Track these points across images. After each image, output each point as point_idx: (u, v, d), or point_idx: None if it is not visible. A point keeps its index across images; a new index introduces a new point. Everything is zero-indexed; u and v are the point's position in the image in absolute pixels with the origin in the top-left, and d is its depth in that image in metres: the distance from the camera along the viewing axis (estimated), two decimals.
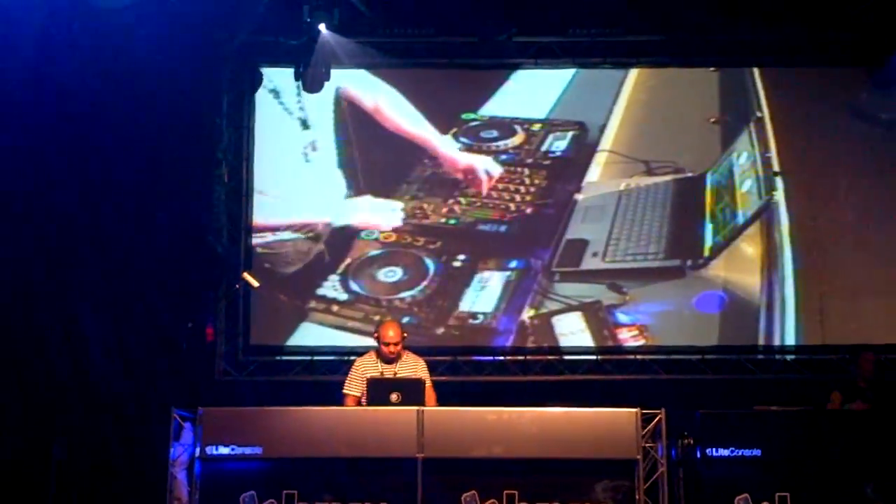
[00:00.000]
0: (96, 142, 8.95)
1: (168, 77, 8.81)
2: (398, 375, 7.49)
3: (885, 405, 7.73)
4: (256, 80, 9.86)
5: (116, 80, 8.74)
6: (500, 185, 10.07)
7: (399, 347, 7.54)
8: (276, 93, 10.08)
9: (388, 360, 7.55)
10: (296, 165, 10.03)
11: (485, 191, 10.01)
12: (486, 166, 10.05)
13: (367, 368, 7.61)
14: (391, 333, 7.52)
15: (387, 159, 10.10)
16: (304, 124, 10.07)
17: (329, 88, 9.75)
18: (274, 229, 9.92)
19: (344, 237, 9.93)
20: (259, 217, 9.92)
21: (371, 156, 10.07)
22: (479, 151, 10.12)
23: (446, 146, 10.08)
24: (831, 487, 7.00)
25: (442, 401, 7.56)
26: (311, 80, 9.36)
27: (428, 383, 7.53)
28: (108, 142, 8.99)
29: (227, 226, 9.77)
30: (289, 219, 9.94)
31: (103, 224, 8.92)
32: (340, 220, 9.96)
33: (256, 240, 9.88)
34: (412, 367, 7.59)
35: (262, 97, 10.06)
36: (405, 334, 7.65)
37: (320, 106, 10.02)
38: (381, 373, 7.52)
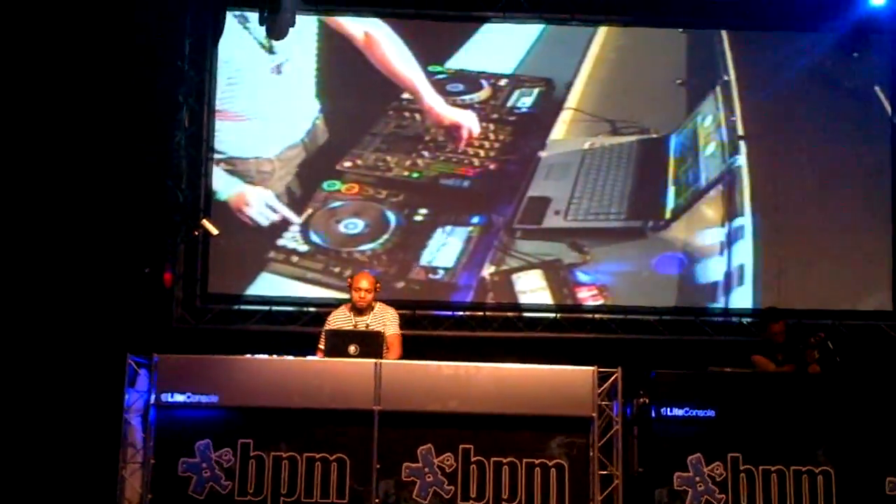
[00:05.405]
0: (55, 83, 8.78)
1: (129, 19, 8.66)
2: (370, 327, 7.50)
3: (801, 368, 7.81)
4: (220, 25, 9.68)
5: (77, 21, 8.57)
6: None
7: (371, 296, 7.59)
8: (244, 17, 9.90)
9: (359, 309, 7.58)
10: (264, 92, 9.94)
11: (461, 147, 9.93)
12: (471, 124, 9.95)
13: (339, 322, 7.62)
14: (363, 282, 7.60)
15: (352, 109, 10.00)
16: (271, 50, 9.90)
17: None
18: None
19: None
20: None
21: (337, 103, 9.98)
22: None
23: (431, 97, 9.98)
24: (783, 450, 7.10)
25: None
26: (276, 26, 9.23)
27: (396, 332, 7.60)
28: (67, 84, 8.82)
29: (187, 171, 9.63)
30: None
31: (60, 167, 8.77)
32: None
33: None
34: (381, 317, 7.62)
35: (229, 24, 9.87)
36: (378, 285, 7.72)
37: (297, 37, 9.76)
38: (355, 325, 7.55)
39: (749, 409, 7.19)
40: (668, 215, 9.86)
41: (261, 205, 9.79)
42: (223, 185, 9.80)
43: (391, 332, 7.60)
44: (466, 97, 10.05)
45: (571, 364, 7.15)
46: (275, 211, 9.79)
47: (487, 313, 9.70)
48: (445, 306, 9.73)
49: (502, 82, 10.10)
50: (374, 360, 7.00)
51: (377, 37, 9.97)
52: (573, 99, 10.05)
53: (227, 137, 9.82)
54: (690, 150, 9.99)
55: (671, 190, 9.91)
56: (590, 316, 9.71)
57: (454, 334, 9.54)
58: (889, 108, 9.86)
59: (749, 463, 7.08)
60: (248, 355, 7.29)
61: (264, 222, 9.78)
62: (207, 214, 9.39)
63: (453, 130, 9.97)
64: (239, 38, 9.88)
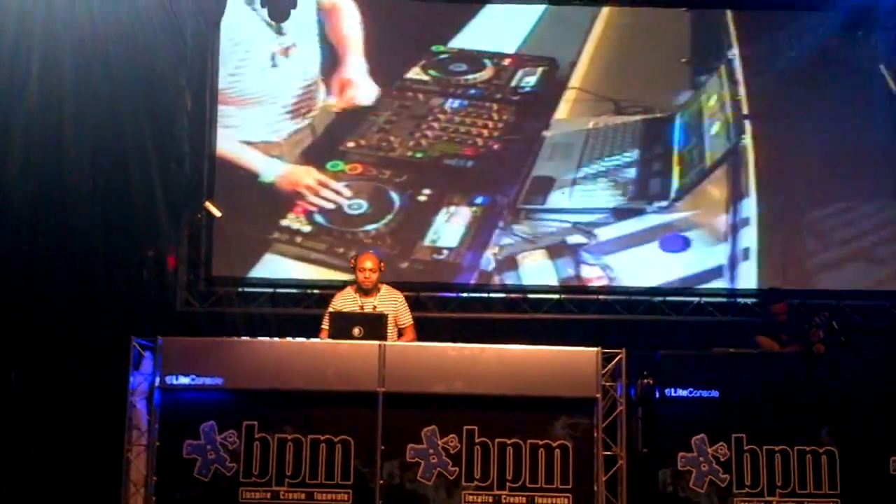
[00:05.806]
0: (54, 71, 8.74)
1: (131, 3, 8.65)
2: (377, 309, 7.50)
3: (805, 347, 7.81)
4: (222, 7, 9.64)
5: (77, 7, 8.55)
6: (468, 120, 9.97)
7: (376, 276, 7.59)
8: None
9: (365, 290, 7.58)
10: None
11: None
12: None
13: (344, 303, 7.62)
14: (368, 262, 7.59)
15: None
16: (280, 31, 9.86)
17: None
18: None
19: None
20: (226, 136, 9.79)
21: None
22: (448, 85, 10.00)
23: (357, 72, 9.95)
24: (786, 430, 7.11)
25: None
26: (278, 8, 9.22)
27: (411, 321, 7.63)
28: (66, 70, 8.77)
29: (190, 153, 9.62)
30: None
31: (63, 152, 8.74)
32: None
33: None
34: (391, 301, 7.61)
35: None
36: (383, 265, 7.72)
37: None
38: (361, 306, 7.54)
39: (753, 390, 7.20)
40: (672, 195, 9.84)
41: (312, 181, 9.78)
42: (262, 167, 9.78)
43: (407, 322, 7.63)
44: (470, 77, 10.03)
45: (576, 345, 7.14)
46: (326, 185, 9.79)
47: (492, 294, 9.72)
48: (450, 288, 9.73)
49: (506, 62, 10.08)
50: (378, 342, 7.01)
51: (340, 6, 9.92)
52: (577, 78, 10.02)
53: (235, 122, 9.80)
54: (695, 130, 9.96)
55: (676, 170, 9.89)
56: (594, 297, 9.71)
57: (459, 315, 9.54)
58: (895, 87, 9.82)
59: (753, 443, 7.09)
60: (253, 337, 7.30)
61: (323, 201, 9.77)
62: (211, 197, 9.40)
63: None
64: (245, 19, 9.85)
